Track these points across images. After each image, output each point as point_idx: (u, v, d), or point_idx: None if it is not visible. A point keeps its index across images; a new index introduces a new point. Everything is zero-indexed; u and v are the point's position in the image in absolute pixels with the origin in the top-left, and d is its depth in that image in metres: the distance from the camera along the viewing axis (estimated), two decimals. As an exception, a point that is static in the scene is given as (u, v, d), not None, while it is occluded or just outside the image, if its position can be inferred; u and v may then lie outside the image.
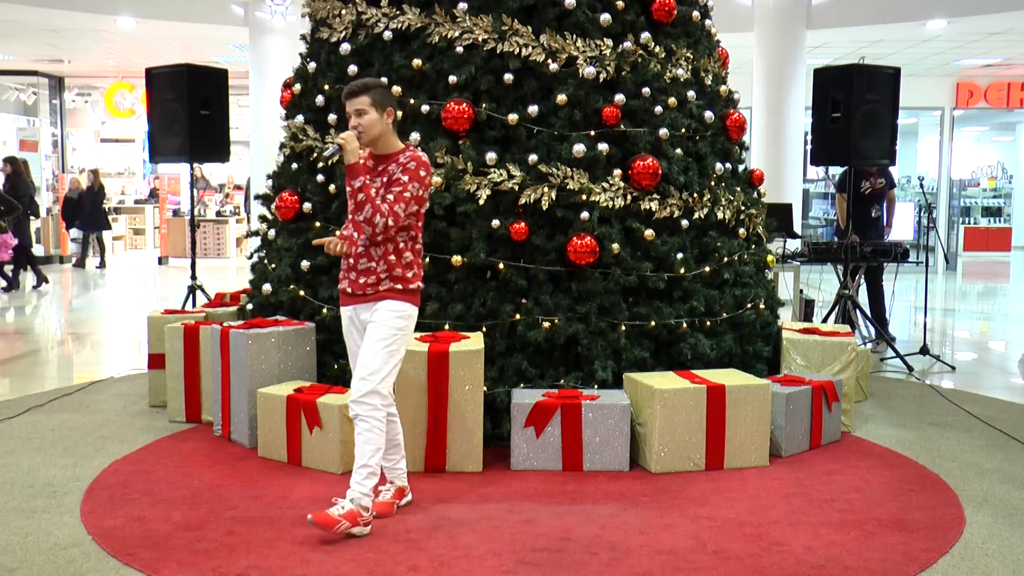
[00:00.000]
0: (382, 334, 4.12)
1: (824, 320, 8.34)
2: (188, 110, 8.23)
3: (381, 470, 4.24)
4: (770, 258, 6.59)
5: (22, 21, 13.86)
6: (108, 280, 15.50)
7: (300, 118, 6.18)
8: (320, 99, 6.05)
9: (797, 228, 10.93)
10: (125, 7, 13.38)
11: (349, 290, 4.26)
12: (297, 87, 6.34)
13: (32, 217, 15.40)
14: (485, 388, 5.11)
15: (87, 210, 17.45)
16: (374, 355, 4.11)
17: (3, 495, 4.67)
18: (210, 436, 5.73)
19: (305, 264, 5.88)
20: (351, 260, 4.25)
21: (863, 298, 9.39)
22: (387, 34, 5.83)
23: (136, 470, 5.06)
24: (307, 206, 5.98)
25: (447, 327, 5.43)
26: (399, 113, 4.85)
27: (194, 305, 8.74)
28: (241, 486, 4.80)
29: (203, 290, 9.01)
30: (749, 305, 6.05)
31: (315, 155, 5.99)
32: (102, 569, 3.79)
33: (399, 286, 4.17)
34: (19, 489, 4.76)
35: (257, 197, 6.72)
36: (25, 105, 20.19)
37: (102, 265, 17.66)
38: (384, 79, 4.26)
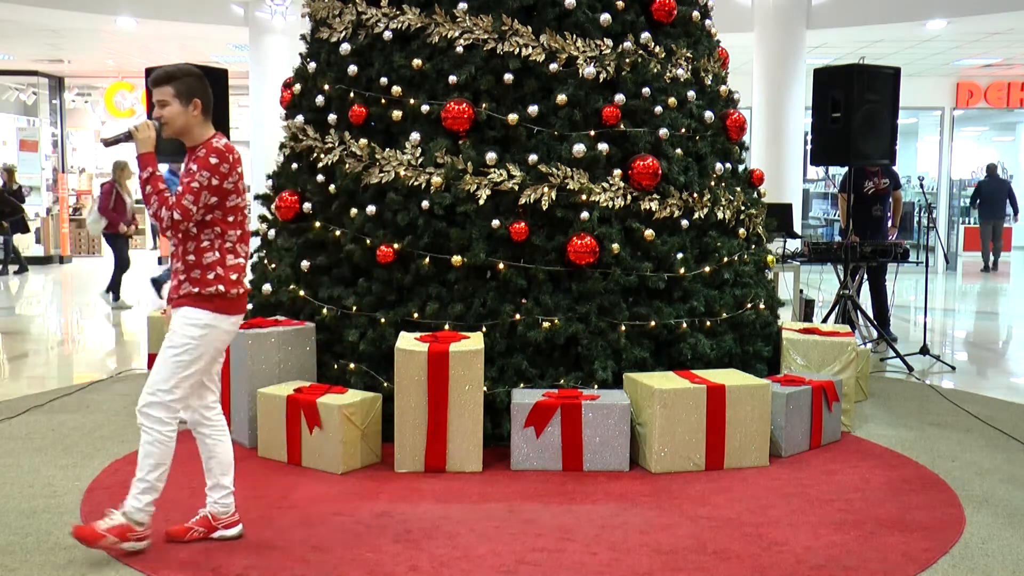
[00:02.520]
0: (172, 342, 3.84)
1: (824, 320, 8.34)
2: (188, 110, 8.20)
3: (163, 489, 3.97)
4: (770, 258, 6.59)
5: (22, 21, 13.85)
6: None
7: (300, 118, 6.18)
8: (320, 99, 6.04)
9: (797, 228, 10.93)
10: (125, 7, 13.37)
11: (169, 303, 4.04)
12: (297, 87, 6.34)
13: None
14: (485, 388, 5.11)
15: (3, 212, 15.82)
16: (162, 365, 3.84)
17: (3, 495, 4.67)
18: (210, 436, 5.71)
19: (305, 264, 5.88)
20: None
21: (864, 298, 9.40)
22: (387, 34, 5.83)
23: (134, 470, 5.04)
24: (307, 206, 5.98)
25: (447, 327, 5.42)
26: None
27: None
28: (241, 486, 4.77)
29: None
30: (749, 305, 6.05)
31: (314, 155, 5.99)
32: (102, 569, 3.79)
33: (196, 289, 3.86)
34: (19, 489, 4.76)
35: (257, 197, 6.71)
36: (25, 105, 20.19)
37: (22, 270, 16.35)
38: (195, 68, 4.00)
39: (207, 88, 3.98)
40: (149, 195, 3.82)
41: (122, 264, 11.86)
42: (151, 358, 6.50)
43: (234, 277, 3.93)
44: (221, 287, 3.89)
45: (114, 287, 11.80)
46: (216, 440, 4.09)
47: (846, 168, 8.91)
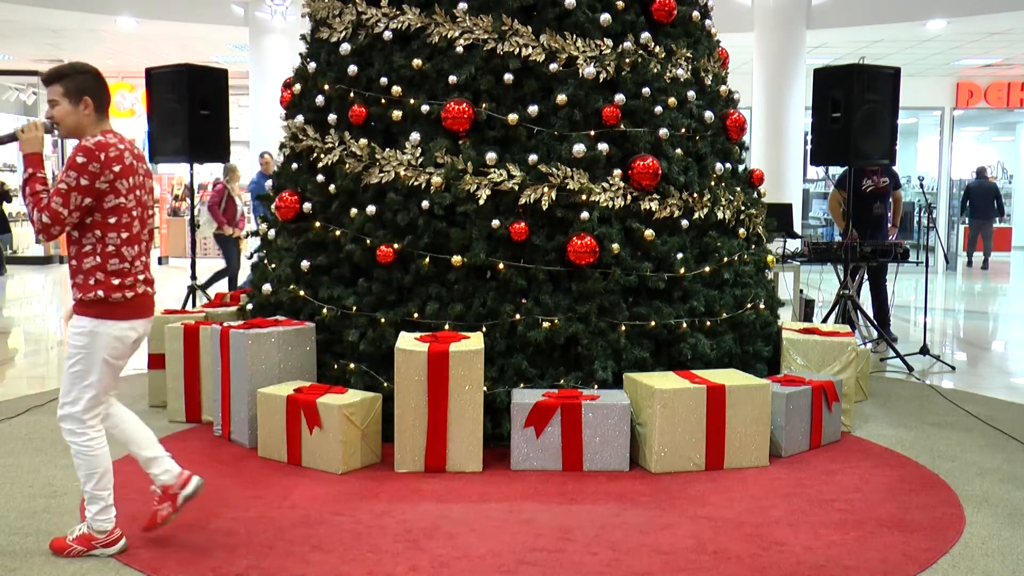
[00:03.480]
0: (67, 354, 3.85)
1: (824, 320, 8.34)
2: (188, 110, 8.22)
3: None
4: (770, 258, 6.59)
5: (22, 21, 13.86)
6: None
7: (300, 118, 6.18)
8: (320, 99, 6.04)
9: (797, 228, 10.94)
10: (125, 7, 13.38)
11: None
12: (297, 87, 6.33)
13: None
14: (485, 388, 5.11)
15: None
16: (64, 378, 3.87)
17: (3, 495, 4.67)
18: (210, 436, 5.72)
19: (305, 264, 5.88)
20: None
21: (864, 298, 9.40)
22: (387, 34, 5.82)
23: (135, 470, 4.99)
24: (307, 206, 5.98)
25: (447, 327, 5.42)
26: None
27: (194, 305, 8.74)
28: (241, 486, 4.79)
29: (203, 290, 9.01)
30: (749, 305, 6.05)
31: (314, 155, 5.98)
32: (102, 569, 3.79)
33: (80, 295, 3.79)
34: (19, 489, 4.76)
35: (257, 197, 6.72)
36: (25, 105, 20.19)
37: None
38: (89, 66, 3.89)
39: (101, 86, 3.88)
40: (27, 196, 3.73)
41: (230, 267, 11.69)
42: (151, 358, 6.50)
43: (116, 282, 3.80)
44: (100, 292, 3.77)
45: (208, 286, 11.57)
46: (121, 427, 4.07)
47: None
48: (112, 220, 3.78)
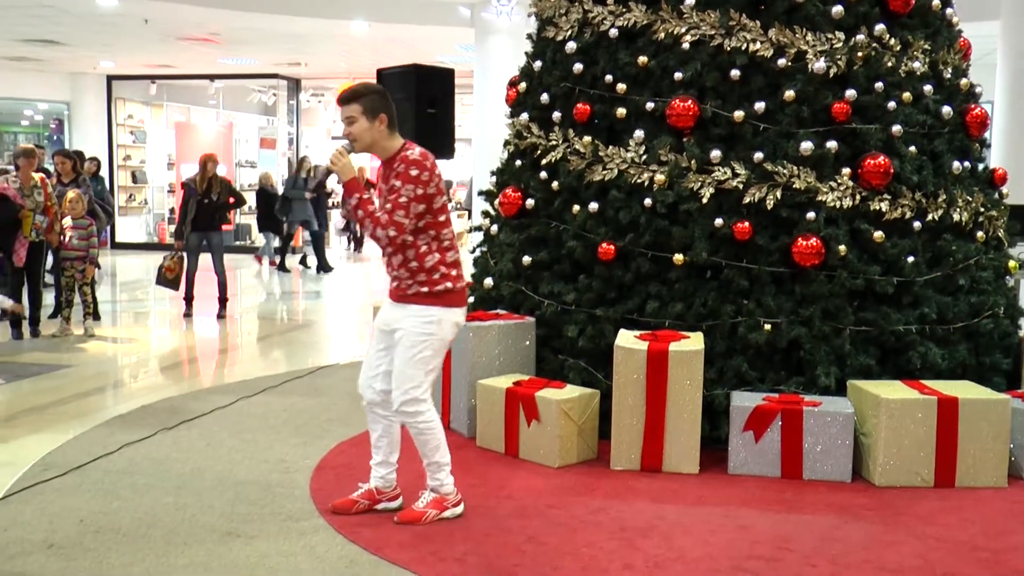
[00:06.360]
0: (410, 342, 4.10)
1: (1072, 332, 7.72)
2: (416, 108, 8.50)
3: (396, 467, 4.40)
4: (1012, 264, 6.17)
5: (267, 29, 14.75)
6: (337, 273, 16.25)
7: (525, 116, 6.28)
8: (545, 97, 6.12)
9: (1043, 232, 10.17)
10: (359, 12, 14.01)
11: (391, 297, 4.28)
12: (522, 85, 6.44)
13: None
14: (704, 389, 5.04)
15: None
16: (405, 364, 4.11)
17: (243, 468, 5.01)
18: (430, 424, 5.91)
19: (526, 259, 5.97)
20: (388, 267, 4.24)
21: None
22: (613, 32, 5.84)
23: (360, 452, 5.27)
24: (530, 202, 6.08)
25: (667, 326, 5.38)
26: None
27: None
28: (460, 474, 4.90)
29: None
30: (987, 314, 5.68)
31: (538, 152, 6.06)
32: (329, 544, 4.00)
33: (425, 289, 4.11)
34: (256, 464, 5.10)
35: (480, 193, 6.88)
36: (265, 106, 21.55)
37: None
38: (379, 86, 4.24)
39: (391, 103, 4.17)
40: (363, 219, 4.05)
41: None
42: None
43: (455, 272, 4.17)
44: (449, 284, 4.14)
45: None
46: (392, 422, 4.34)
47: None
48: (442, 218, 4.16)
